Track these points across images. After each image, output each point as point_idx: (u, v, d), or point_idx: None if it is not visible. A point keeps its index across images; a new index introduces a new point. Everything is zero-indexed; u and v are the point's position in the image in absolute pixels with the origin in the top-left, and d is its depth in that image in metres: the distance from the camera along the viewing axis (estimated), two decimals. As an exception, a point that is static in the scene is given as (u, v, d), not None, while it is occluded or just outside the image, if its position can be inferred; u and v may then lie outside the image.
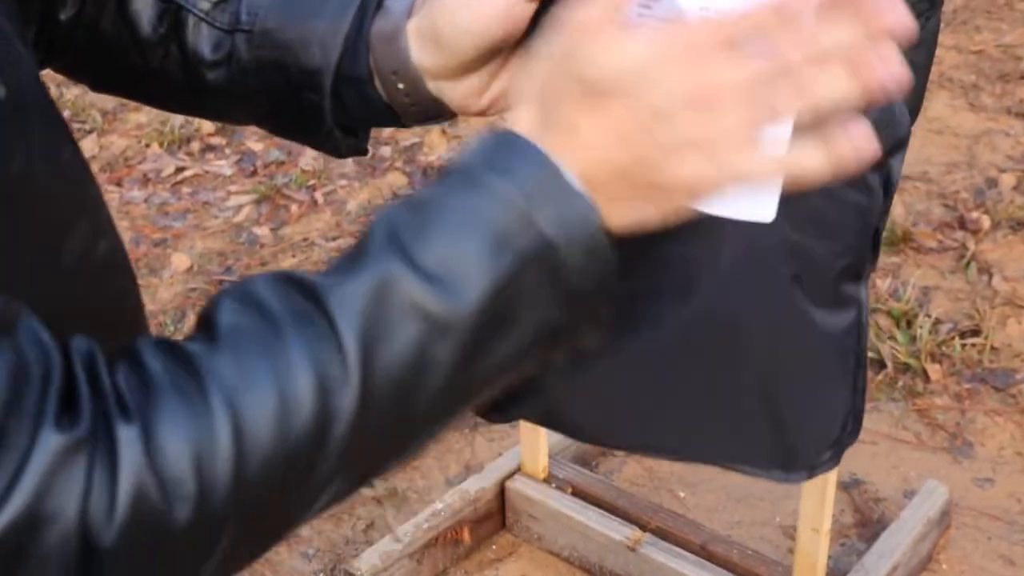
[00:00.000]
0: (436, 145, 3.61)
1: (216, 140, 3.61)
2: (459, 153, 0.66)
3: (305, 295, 0.64)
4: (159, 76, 0.97)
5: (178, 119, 3.64)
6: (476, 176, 0.65)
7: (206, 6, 0.94)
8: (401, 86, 0.86)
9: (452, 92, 0.86)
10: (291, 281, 0.65)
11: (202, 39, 0.94)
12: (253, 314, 0.64)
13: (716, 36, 0.63)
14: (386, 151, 3.59)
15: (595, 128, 0.65)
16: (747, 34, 0.62)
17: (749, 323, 0.67)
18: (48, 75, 0.95)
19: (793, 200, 0.64)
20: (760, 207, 0.66)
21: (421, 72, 0.85)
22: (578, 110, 0.66)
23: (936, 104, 3.65)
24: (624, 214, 0.67)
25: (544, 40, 0.69)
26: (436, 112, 0.89)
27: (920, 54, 1.62)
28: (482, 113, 0.88)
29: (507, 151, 0.66)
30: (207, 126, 3.65)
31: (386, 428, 0.66)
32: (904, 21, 0.60)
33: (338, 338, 0.63)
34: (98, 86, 1.04)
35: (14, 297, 0.70)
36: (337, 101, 0.90)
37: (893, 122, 0.61)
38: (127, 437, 0.59)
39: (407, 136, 3.65)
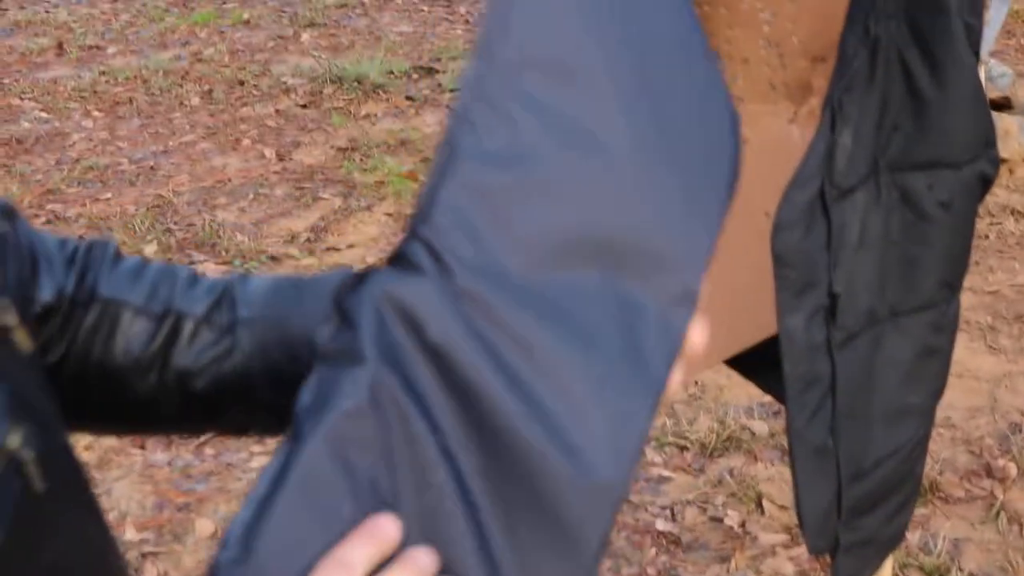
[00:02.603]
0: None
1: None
2: None
3: None
4: (154, 394, 1.00)
5: (201, 378, 3.66)
6: None
7: (201, 309, 0.99)
8: None
9: None
10: None
11: (201, 342, 0.98)
12: None
13: None
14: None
15: None
16: None
17: None
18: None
19: None
20: None
21: None
22: None
23: (955, 347, 3.66)
24: None
25: None
26: None
27: (943, 339, 1.65)
28: None
29: None
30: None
31: None
32: None
33: None
34: (83, 425, 1.04)
35: None
36: None
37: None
38: None
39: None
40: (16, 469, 0.76)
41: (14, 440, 0.77)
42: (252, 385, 0.98)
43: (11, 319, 0.84)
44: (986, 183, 1.58)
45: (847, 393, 1.51)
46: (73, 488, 0.85)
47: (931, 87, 1.47)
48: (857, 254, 1.48)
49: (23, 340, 0.85)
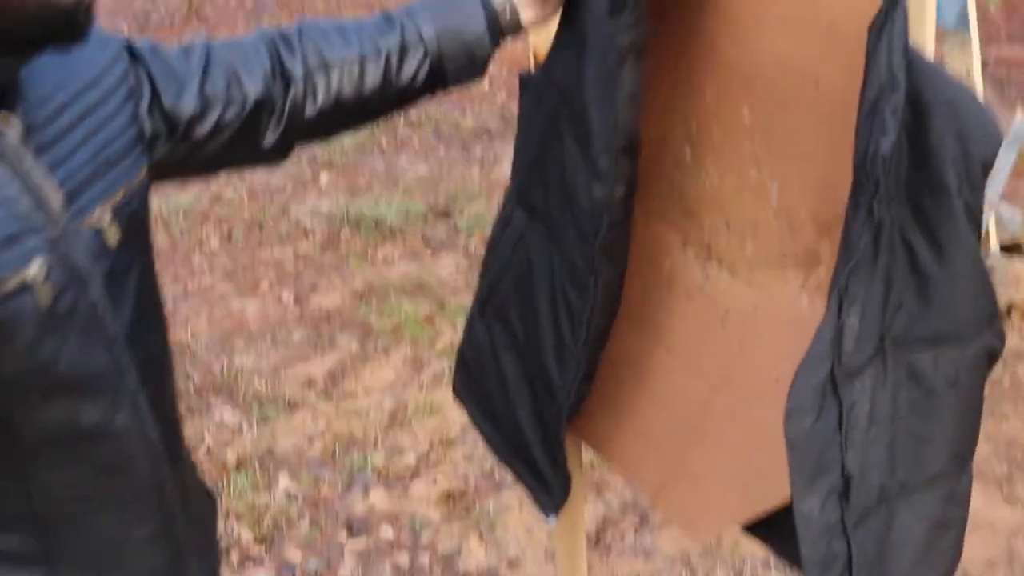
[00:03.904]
0: (474, 550, 3.61)
1: (255, 551, 3.62)
2: None
3: None
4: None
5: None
6: None
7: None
8: None
9: None
10: None
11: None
12: None
13: None
14: (424, 559, 3.58)
15: None
16: None
17: None
18: None
19: None
20: None
21: None
22: None
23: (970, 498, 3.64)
24: None
25: None
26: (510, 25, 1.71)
27: (955, 511, 1.66)
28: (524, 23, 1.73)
29: None
30: (246, 536, 3.67)
31: None
32: None
33: None
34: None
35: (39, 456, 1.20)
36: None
37: None
38: None
39: (446, 545, 3.66)
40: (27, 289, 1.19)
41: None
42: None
43: (106, 218, 1.28)
44: (992, 357, 1.60)
45: (863, 571, 1.52)
46: (87, 312, 1.25)
47: (934, 265, 1.49)
48: (867, 433, 1.49)
49: (112, 235, 1.28)
